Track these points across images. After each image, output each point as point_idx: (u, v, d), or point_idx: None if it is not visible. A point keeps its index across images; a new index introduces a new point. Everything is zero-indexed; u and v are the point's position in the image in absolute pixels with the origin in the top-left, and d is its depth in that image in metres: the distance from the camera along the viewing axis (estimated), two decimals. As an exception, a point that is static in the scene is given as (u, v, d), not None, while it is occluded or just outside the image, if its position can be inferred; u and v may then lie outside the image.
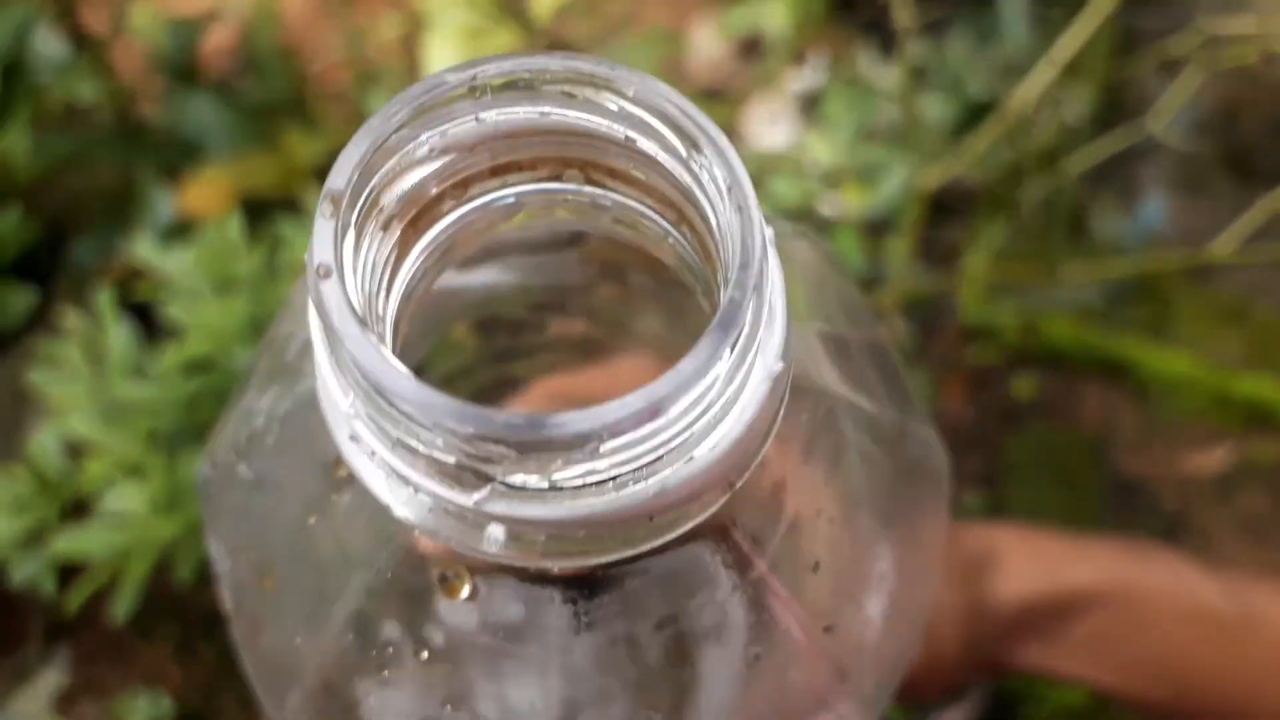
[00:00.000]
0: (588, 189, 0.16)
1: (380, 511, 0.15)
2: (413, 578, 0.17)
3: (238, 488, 0.20)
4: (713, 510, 0.15)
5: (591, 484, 0.13)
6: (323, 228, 0.13)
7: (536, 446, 0.12)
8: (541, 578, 0.16)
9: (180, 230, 0.59)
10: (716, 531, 0.16)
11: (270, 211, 0.62)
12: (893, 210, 0.72)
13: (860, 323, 0.21)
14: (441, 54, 0.23)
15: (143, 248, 0.53)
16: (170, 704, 0.60)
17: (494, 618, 0.17)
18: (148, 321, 0.52)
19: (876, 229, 0.74)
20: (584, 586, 0.16)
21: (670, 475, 0.13)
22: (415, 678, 0.18)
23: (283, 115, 0.70)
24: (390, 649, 0.17)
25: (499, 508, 0.13)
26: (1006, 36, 0.69)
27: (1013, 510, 0.70)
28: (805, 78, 0.85)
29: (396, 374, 0.12)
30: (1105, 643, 0.24)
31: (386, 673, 0.18)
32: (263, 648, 0.20)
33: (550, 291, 0.21)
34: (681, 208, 0.15)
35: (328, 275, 0.13)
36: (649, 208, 0.15)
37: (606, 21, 1.13)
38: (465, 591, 0.16)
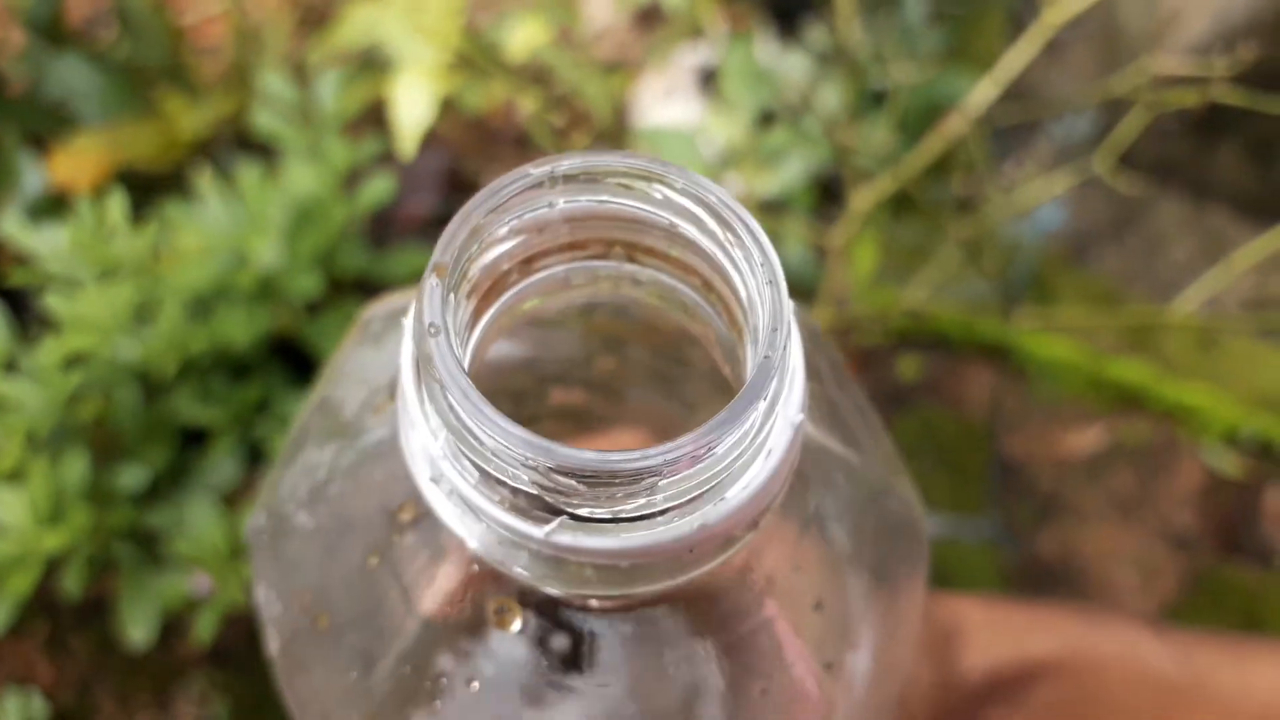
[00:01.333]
0: (628, 266, 0.18)
1: (442, 550, 0.18)
2: (468, 611, 0.18)
3: (296, 536, 0.21)
4: (738, 547, 0.17)
5: (646, 516, 0.15)
6: (433, 293, 0.15)
7: (605, 479, 0.14)
8: (584, 610, 0.18)
9: (53, 205, 0.55)
10: (737, 571, 0.18)
11: (151, 186, 0.58)
12: (789, 194, 0.73)
13: (845, 386, 0.23)
14: (410, 95, 0.22)
15: (9, 224, 0.49)
16: (43, 704, 0.57)
17: (541, 648, 0.18)
18: (21, 307, 0.49)
19: (771, 209, 0.74)
20: (623, 620, 0.18)
21: (710, 511, 0.15)
22: (465, 707, 0.19)
23: (159, 78, 0.65)
24: (443, 679, 0.19)
25: (565, 539, 0.15)
26: (908, 27, 0.70)
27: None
28: (702, 52, 0.84)
29: (494, 414, 0.14)
30: (1065, 709, 0.25)
31: (438, 703, 0.19)
32: (313, 686, 0.21)
33: (555, 364, 0.23)
34: (711, 281, 0.17)
35: (437, 334, 0.15)
36: (680, 281, 0.18)
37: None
38: (516, 624, 0.18)
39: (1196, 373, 0.77)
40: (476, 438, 0.15)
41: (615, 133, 0.80)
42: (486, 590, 0.18)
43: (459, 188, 0.84)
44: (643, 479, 0.14)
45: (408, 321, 0.16)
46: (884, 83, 0.70)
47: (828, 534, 0.20)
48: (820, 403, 0.20)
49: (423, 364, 0.15)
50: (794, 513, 0.19)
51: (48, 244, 0.47)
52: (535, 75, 0.86)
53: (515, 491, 0.15)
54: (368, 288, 0.59)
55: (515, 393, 0.24)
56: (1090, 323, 0.64)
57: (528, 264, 0.18)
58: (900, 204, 0.69)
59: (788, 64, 0.73)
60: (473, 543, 0.16)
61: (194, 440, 0.52)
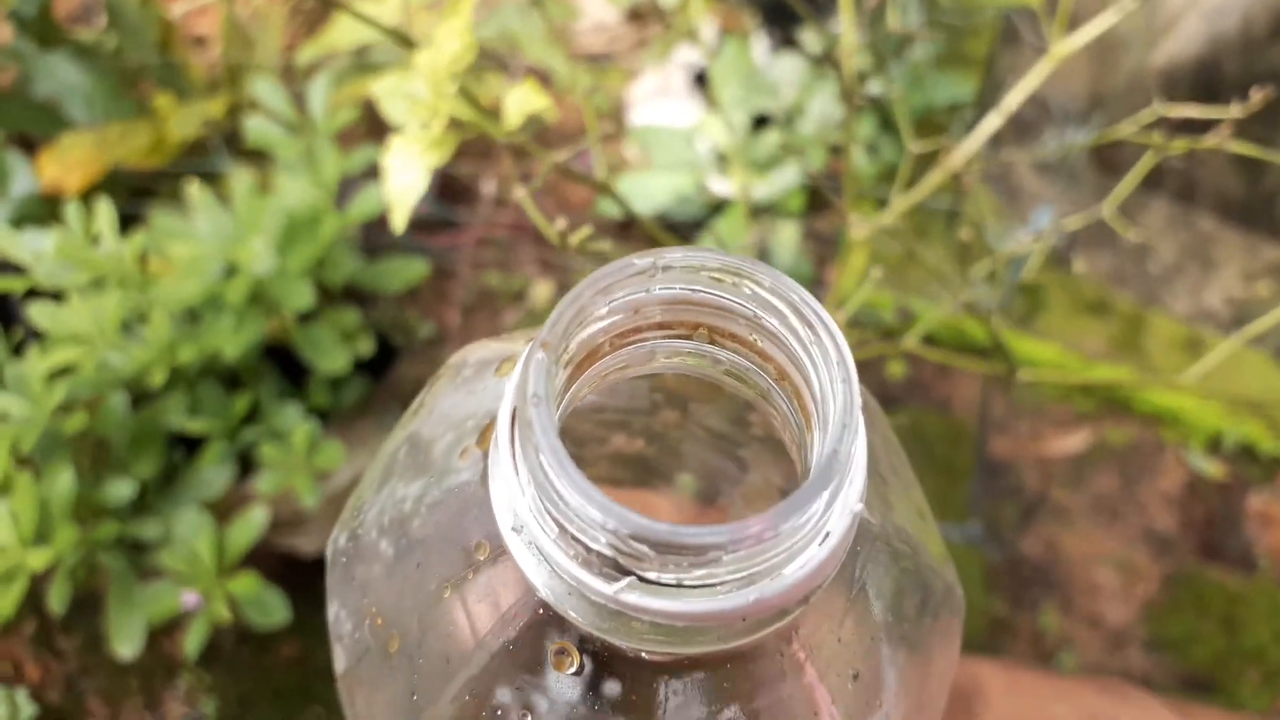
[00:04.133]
0: (708, 347, 0.20)
1: (512, 591, 0.19)
2: (529, 651, 0.20)
3: (375, 561, 0.23)
4: (790, 619, 0.18)
5: (708, 585, 0.16)
6: (539, 367, 0.16)
7: (675, 550, 0.15)
8: (637, 662, 0.19)
9: (42, 207, 0.55)
10: (784, 638, 0.19)
11: (140, 189, 0.58)
12: (781, 196, 0.73)
13: (900, 471, 0.23)
14: (401, 165, 0.22)
15: (-5, 228, 0.49)
16: (30, 703, 0.58)
17: (593, 692, 0.19)
18: (8, 315, 0.49)
19: (763, 211, 0.74)
20: (671, 674, 0.19)
21: (767, 586, 0.16)
22: None
23: (148, 76, 0.65)
24: (499, 711, 0.20)
25: (631, 598, 0.16)
26: (904, 34, 0.69)
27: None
28: (697, 50, 0.84)
29: (583, 480, 0.15)
30: None
31: None
32: (376, 706, 0.22)
33: (620, 412, 0.25)
34: (786, 369, 0.19)
35: (539, 404, 0.16)
36: (757, 366, 0.19)
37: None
38: (573, 666, 0.19)
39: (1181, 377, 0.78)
40: (562, 498, 0.16)
41: (613, 133, 0.80)
42: (549, 633, 0.19)
43: (452, 191, 0.83)
44: (708, 552, 0.15)
45: (510, 383, 0.18)
46: (879, 89, 0.70)
47: (871, 607, 0.21)
48: (873, 480, 0.22)
49: (521, 426, 0.16)
50: (841, 586, 0.20)
51: (34, 251, 0.47)
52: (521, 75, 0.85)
53: (590, 550, 0.16)
54: (359, 296, 0.59)
55: (580, 436, 0.25)
56: (1074, 327, 0.65)
57: (620, 339, 0.19)
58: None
59: (781, 67, 0.73)
60: (543, 590, 0.17)
61: (182, 444, 0.52)
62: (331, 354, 0.51)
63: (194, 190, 0.47)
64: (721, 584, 0.16)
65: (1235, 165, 0.88)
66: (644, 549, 0.15)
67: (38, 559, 0.37)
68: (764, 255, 0.73)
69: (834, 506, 0.16)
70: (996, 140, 0.84)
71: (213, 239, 0.46)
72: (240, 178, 0.47)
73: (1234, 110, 0.33)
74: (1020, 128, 0.85)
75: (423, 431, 0.23)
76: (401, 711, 0.21)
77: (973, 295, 0.76)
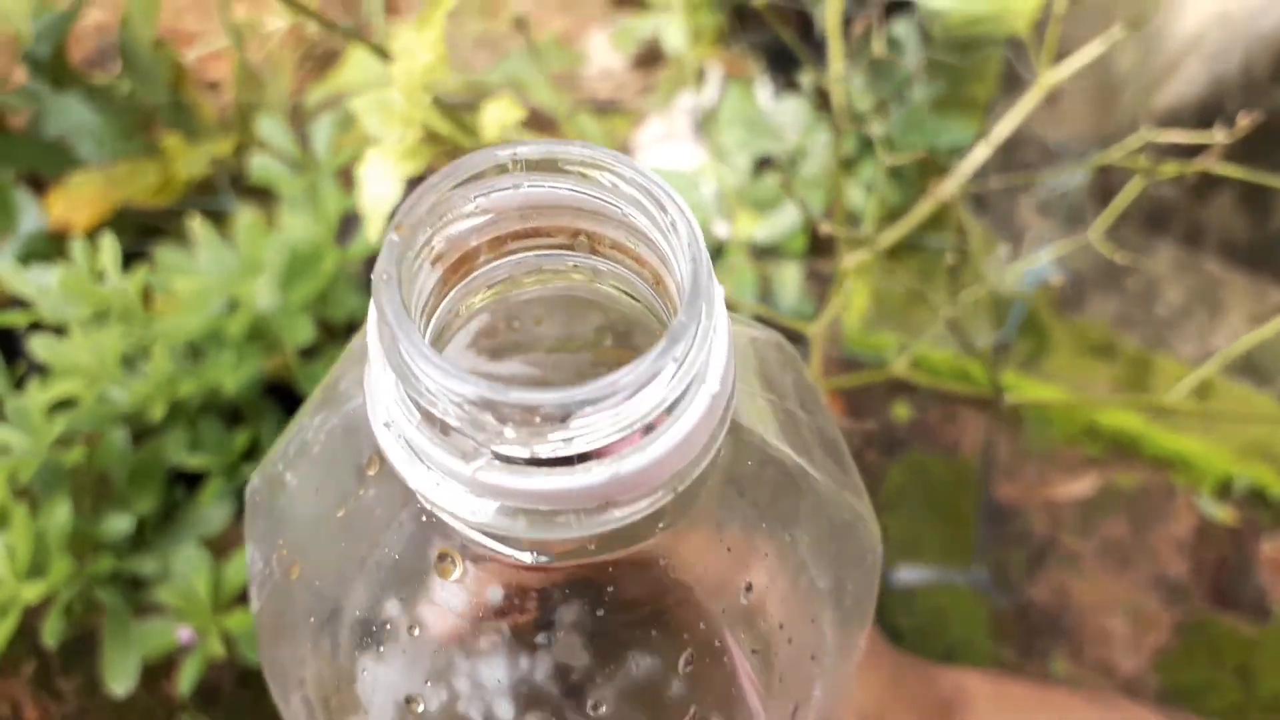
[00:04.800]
0: (592, 258, 0.19)
1: (396, 501, 0.19)
2: (415, 560, 0.20)
3: (281, 494, 0.23)
4: (664, 520, 0.18)
5: (563, 458, 0.16)
6: (390, 245, 0.17)
7: (519, 414, 0.15)
8: (519, 568, 0.19)
9: (49, 244, 0.55)
10: (667, 546, 0.19)
11: (147, 226, 0.58)
12: (784, 239, 0.73)
13: (814, 411, 0.24)
14: (376, 176, 0.23)
15: (2, 265, 0.49)
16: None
17: (476, 599, 0.19)
18: (11, 349, 0.49)
19: (765, 253, 0.75)
20: (557, 581, 0.19)
21: (626, 463, 0.16)
22: (405, 654, 0.20)
23: (159, 117, 0.66)
24: (388, 626, 0.20)
25: (490, 478, 0.16)
26: (902, 76, 0.70)
27: (892, 538, 0.72)
28: (702, 96, 0.85)
29: (424, 347, 0.16)
30: None
31: (382, 649, 0.20)
32: (281, 636, 0.23)
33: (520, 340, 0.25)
34: (659, 272, 0.18)
35: (389, 281, 0.16)
36: (636, 273, 0.19)
37: (505, 25, 1.11)
38: (456, 573, 0.19)
39: (1190, 421, 0.77)
40: (413, 374, 0.16)
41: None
42: (433, 540, 0.19)
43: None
44: (558, 417, 0.15)
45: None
46: (878, 131, 0.71)
47: (766, 528, 0.21)
48: (777, 411, 0.22)
49: (376, 309, 0.16)
50: (733, 502, 0.20)
51: (39, 286, 0.47)
52: (534, 120, 0.86)
53: (445, 428, 0.16)
54: (360, 329, 0.59)
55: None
56: (1079, 369, 0.64)
57: (497, 243, 0.19)
58: (893, 249, 0.69)
59: (782, 111, 0.73)
60: (415, 484, 0.17)
61: (182, 480, 0.52)
62: (332, 390, 0.52)
63: (196, 225, 0.47)
64: (580, 459, 0.16)
65: (1240, 207, 0.88)
66: (489, 417, 0.15)
67: (32, 591, 0.37)
68: (767, 295, 0.73)
69: (684, 381, 0.16)
70: (998, 192, 0.84)
71: (215, 274, 0.46)
72: (244, 214, 0.48)
73: (1220, 135, 0.33)
74: (1022, 170, 0.85)
75: (335, 373, 0.24)
76: (303, 638, 0.21)
77: (973, 335, 0.76)
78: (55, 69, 0.65)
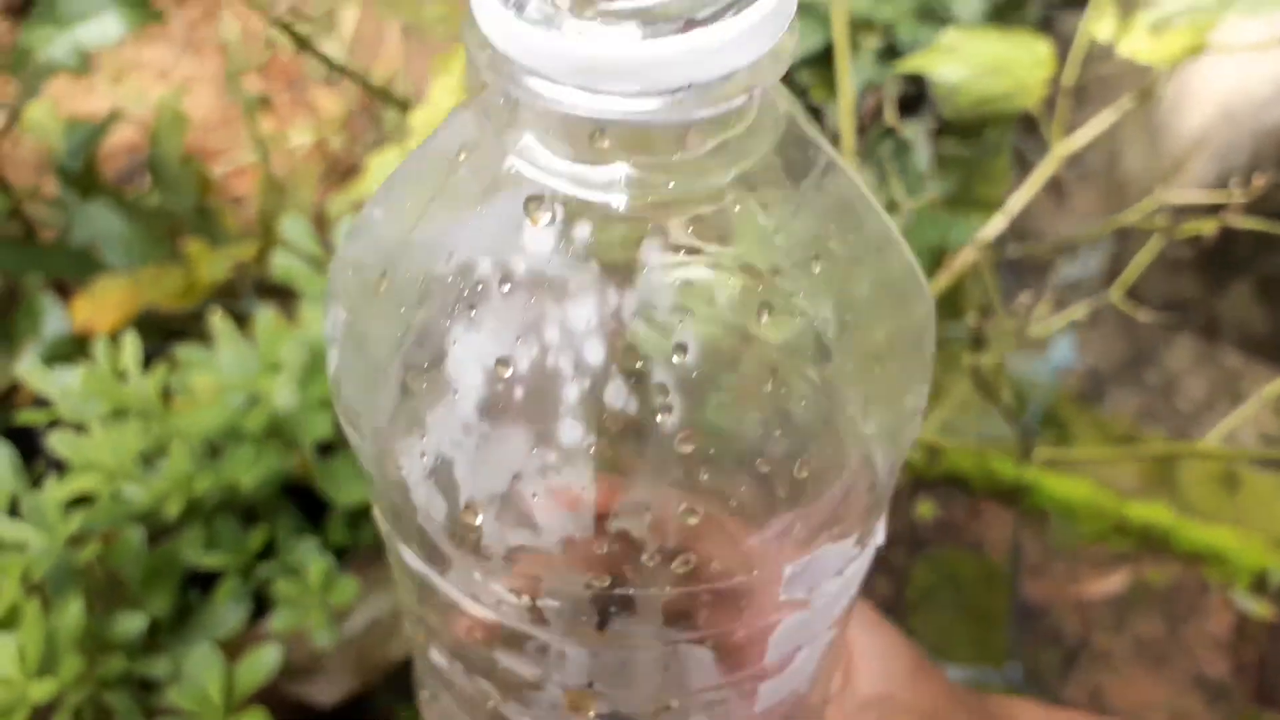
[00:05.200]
0: None
1: (486, 167, 0.19)
2: (505, 213, 0.19)
3: (368, 230, 0.22)
4: (740, 103, 0.18)
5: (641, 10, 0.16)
6: None
7: None
8: (606, 209, 0.18)
9: (72, 346, 0.56)
10: (742, 183, 0.19)
11: (170, 329, 0.59)
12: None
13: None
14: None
15: (26, 366, 0.50)
16: None
17: (564, 241, 0.19)
18: (30, 446, 0.49)
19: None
20: (636, 221, 0.19)
21: (702, 38, 0.16)
22: (496, 313, 0.19)
23: (185, 225, 0.67)
24: (480, 287, 0.19)
25: (578, 34, 0.16)
26: (914, 170, 0.71)
27: (921, 638, 0.70)
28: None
29: None
30: None
31: (473, 312, 0.19)
32: (369, 344, 0.22)
33: None
34: None
35: None
36: None
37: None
38: (546, 217, 0.19)
39: (1220, 514, 0.76)
40: None
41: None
42: (522, 188, 0.19)
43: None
44: None
45: None
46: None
47: (810, 212, 0.21)
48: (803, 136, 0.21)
49: None
50: (780, 179, 0.20)
51: (61, 386, 0.48)
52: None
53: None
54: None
55: None
56: (1107, 456, 0.63)
57: None
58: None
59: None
60: (513, 99, 0.18)
61: (197, 583, 0.52)
62: (350, 488, 0.51)
63: (216, 320, 0.48)
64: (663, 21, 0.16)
65: (1258, 299, 0.88)
66: None
67: (40, 691, 0.36)
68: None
69: None
70: (1016, 275, 0.85)
71: (235, 370, 0.47)
72: (264, 311, 0.48)
73: (1237, 194, 0.33)
74: (1039, 268, 0.85)
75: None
76: (388, 345, 0.21)
77: (996, 428, 0.75)
78: (85, 181, 0.67)
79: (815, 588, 0.21)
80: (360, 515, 0.57)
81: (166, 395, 0.49)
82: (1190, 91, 0.81)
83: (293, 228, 0.49)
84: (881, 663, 0.25)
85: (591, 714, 0.22)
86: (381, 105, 1.01)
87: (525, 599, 0.20)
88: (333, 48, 1.08)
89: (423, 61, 1.19)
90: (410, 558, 0.22)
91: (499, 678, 0.23)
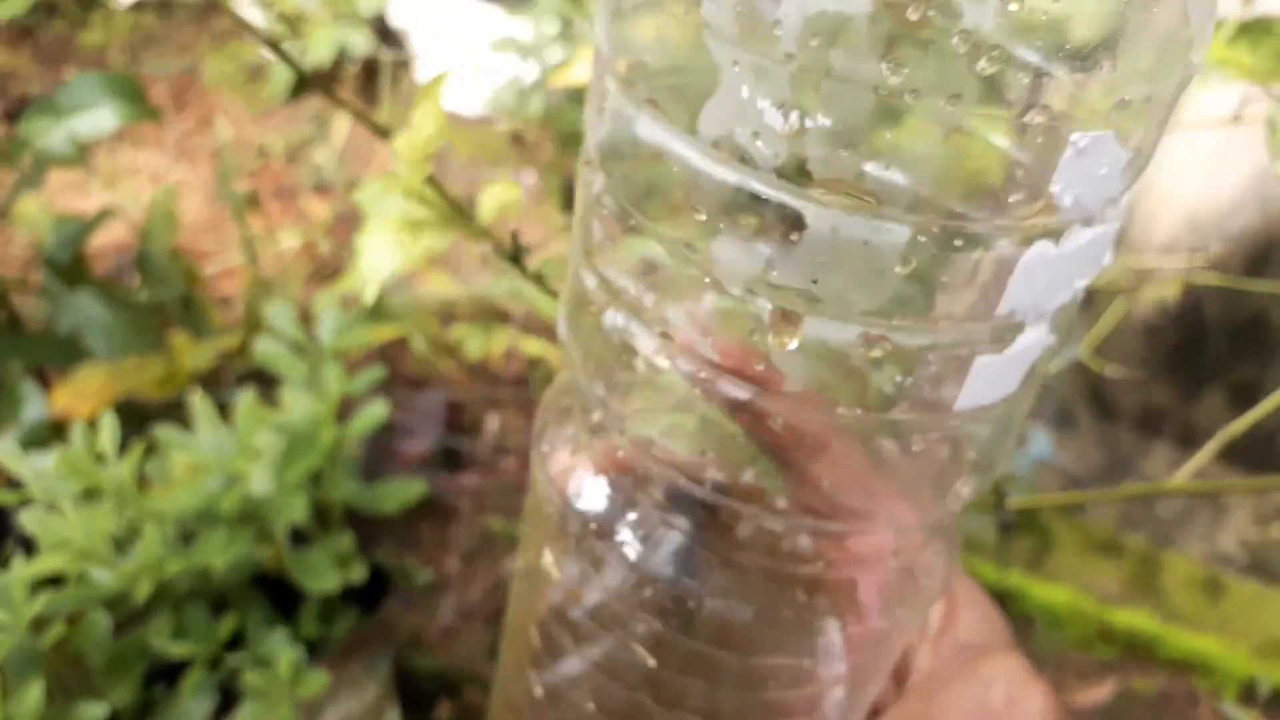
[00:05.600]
0: None
1: None
2: None
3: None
4: None
5: None
6: None
7: None
8: None
9: (53, 431, 0.56)
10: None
11: (149, 416, 0.59)
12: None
13: None
14: (374, 245, 0.23)
15: (3, 450, 0.49)
16: None
17: None
18: (2, 527, 0.48)
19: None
20: None
21: None
22: None
23: (172, 317, 0.68)
24: None
25: None
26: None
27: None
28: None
29: None
30: None
31: None
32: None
33: None
34: None
35: None
36: None
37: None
38: None
39: (1204, 620, 0.75)
40: None
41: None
42: None
43: (459, 428, 0.85)
44: None
45: None
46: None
47: None
48: None
49: None
50: None
51: (36, 469, 0.47)
52: (531, 325, 0.89)
53: None
54: (356, 520, 0.59)
55: None
56: (1087, 566, 0.63)
57: None
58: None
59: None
60: None
61: (163, 676, 0.50)
62: (323, 576, 0.51)
63: (196, 399, 0.48)
64: None
65: (1232, 406, 0.88)
66: None
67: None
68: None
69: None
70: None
71: (213, 451, 0.47)
72: (244, 394, 0.48)
73: (1198, 259, 0.34)
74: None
75: None
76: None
77: (973, 524, 0.75)
78: (73, 272, 0.67)
79: None
80: (333, 608, 0.56)
81: (142, 479, 0.49)
82: (1157, 202, 0.83)
83: (277, 314, 0.50)
84: (986, 621, 0.24)
85: (797, 339, 0.19)
86: (370, 211, 1.02)
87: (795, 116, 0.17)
88: (324, 155, 1.10)
89: (412, 172, 1.22)
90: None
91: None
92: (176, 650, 0.47)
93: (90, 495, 0.46)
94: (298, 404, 0.49)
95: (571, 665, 0.26)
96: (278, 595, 0.54)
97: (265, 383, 0.60)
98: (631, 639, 0.23)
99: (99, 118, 0.57)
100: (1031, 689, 0.22)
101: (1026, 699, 0.22)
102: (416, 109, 0.24)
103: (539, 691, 0.28)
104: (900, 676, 0.24)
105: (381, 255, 0.25)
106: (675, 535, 0.22)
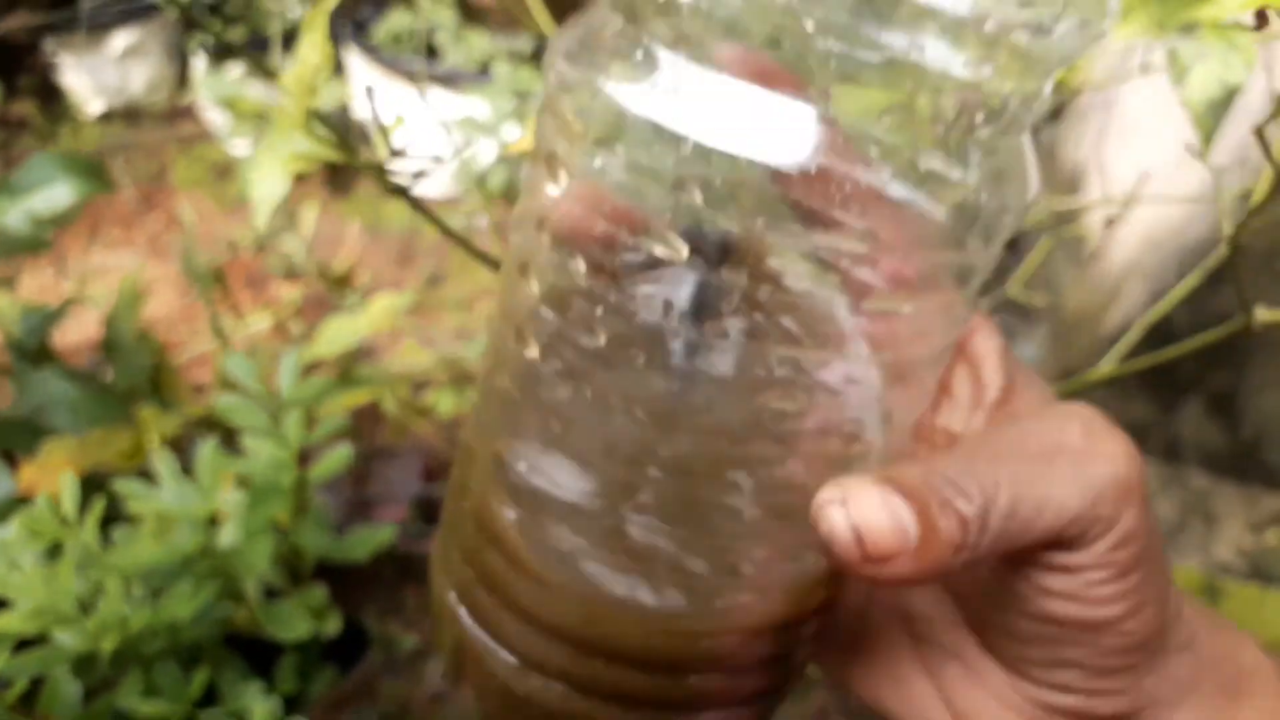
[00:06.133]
0: None
1: None
2: None
3: None
4: None
5: None
6: None
7: None
8: None
9: (19, 505, 0.55)
10: None
11: (111, 480, 0.58)
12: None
13: None
14: (263, 174, 0.24)
15: (-36, 525, 0.49)
16: None
17: None
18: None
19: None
20: None
21: None
22: None
23: (139, 393, 0.68)
24: None
25: None
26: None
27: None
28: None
29: None
30: None
31: None
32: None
33: None
34: None
35: None
36: None
37: (479, 319, 1.17)
38: None
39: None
40: None
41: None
42: None
43: (438, 478, 0.84)
44: None
45: None
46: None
47: None
48: None
49: None
50: None
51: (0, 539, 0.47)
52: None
53: None
54: (329, 573, 0.58)
55: None
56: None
57: None
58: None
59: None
60: None
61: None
62: (295, 626, 0.50)
63: (158, 454, 0.47)
64: None
65: (1211, 416, 0.88)
66: None
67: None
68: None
69: None
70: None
71: (176, 501, 0.46)
72: (205, 444, 0.48)
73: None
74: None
75: None
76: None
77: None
78: (38, 355, 0.67)
79: None
80: (310, 664, 0.55)
81: (109, 543, 0.48)
82: (1116, 226, 0.85)
83: (236, 366, 0.50)
84: (1045, 398, 0.23)
85: None
86: (339, 293, 1.03)
87: None
88: (293, 244, 1.11)
89: (381, 255, 1.23)
90: None
91: None
92: (146, 709, 0.46)
93: (53, 554, 0.45)
94: (260, 451, 0.49)
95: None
96: (253, 654, 0.53)
97: (231, 444, 0.60)
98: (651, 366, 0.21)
99: (55, 194, 0.58)
100: (1112, 432, 0.21)
101: (1107, 439, 0.20)
102: (302, 42, 0.24)
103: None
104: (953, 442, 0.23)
105: (272, 184, 0.25)
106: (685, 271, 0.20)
